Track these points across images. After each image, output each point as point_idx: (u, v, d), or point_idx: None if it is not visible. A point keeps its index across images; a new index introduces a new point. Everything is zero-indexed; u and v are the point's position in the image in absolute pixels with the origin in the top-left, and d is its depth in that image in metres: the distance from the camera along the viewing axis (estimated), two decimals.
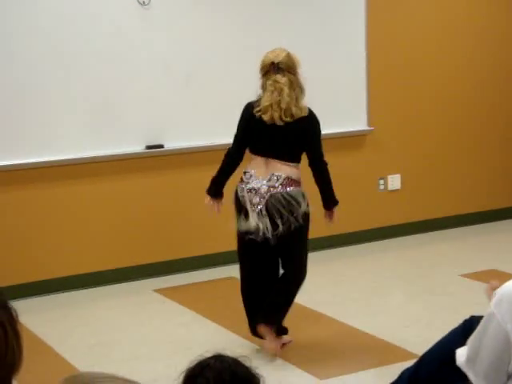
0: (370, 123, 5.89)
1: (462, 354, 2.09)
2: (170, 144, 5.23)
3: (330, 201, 3.96)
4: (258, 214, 3.77)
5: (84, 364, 3.78)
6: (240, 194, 3.85)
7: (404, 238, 6.03)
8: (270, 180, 3.79)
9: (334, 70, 5.64)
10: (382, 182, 6.04)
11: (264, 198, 3.78)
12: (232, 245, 5.43)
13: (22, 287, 4.88)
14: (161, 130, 5.20)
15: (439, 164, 6.22)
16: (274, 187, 3.78)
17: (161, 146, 5.21)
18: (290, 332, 4.03)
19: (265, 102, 3.78)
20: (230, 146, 4.02)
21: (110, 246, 5.16)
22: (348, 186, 5.83)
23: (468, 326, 2.58)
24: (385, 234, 6.00)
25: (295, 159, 3.86)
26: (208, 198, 4.08)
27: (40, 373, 3.65)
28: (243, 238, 3.89)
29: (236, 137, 3.98)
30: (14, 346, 1.49)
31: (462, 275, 5.03)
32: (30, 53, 4.79)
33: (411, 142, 6.09)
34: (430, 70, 6.09)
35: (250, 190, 3.81)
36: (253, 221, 3.77)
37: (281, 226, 3.74)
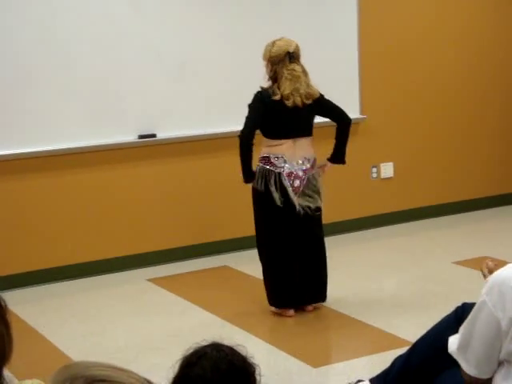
0: (362, 111, 5.89)
1: (453, 342, 2.09)
2: (163, 133, 5.22)
3: (340, 158, 4.35)
4: (299, 195, 4.13)
5: (77, 353, 3.78)
6: (275, 178, 4.08)
7: (397, 225, 6.04)
8: (303, 163, 4.15)
9: (326, 58, 5.63)
10: (374, 170, 6.05)
11: (304, 180, 4.14)
12: (226, 234, 5.46)
13: (15, 277, 4.87)
14: (153, 119, 5.18)
15: (432, 152, 6.23)
16: (307, 170, 4.17)
17: (153, 136, 5.20)
18: (283, 319, 4.07)
19: (285, 91, 4.07)
20: (242, 129, 4.11)
21: (103, 235, 5.16)
22: (341, 175, 5.83)
23: (460, 313, 2.59)
24: (378, 221, 6.01)
25: (312, 131, 4.24)
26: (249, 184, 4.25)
27: (33, 362, 3.66)
28: (277, 210, 4.10)
29: (250, 119, 4.11)
30: (4, 335, 1.50)
31: (454, 262, 5.05)
32: (21, 43, 4.76)
33: (404, 130, 6.10)
34: (423, 58, 6.08)
35: (289, 175, 4.11)
36: (297, 204, 4.10)
37: (311, 204, 4.16)
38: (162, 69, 5.16)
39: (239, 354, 1.75)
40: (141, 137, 5.17)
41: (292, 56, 4.10)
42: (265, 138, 4.18)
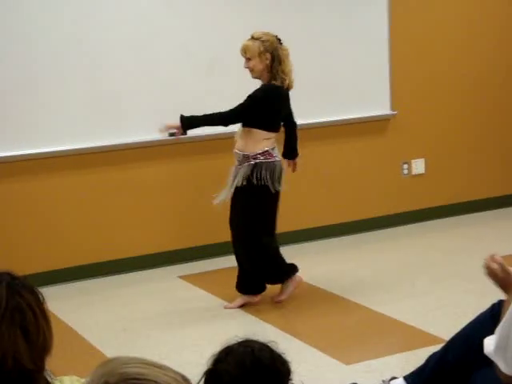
0: (393, 107, 5.84)
1: (489, 344, 2.06)
2: (193, 131, 5.22)
3: (295, 152, 4.47)
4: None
5: (111, 350, 3.80)
6: (280, 166, 4.23)
7: (429, 222, 5.99)
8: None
9: (357, 54, 5.59)
10: (405, 166, 6.00)
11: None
12: None
13: (49, 274, 4.92)
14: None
15: (463, 148, 6.16)
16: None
17: (183, 133, 5.20)
18: (315, 316, 4.10)
19: (290, 71, 4.14)
20: (234, 115, 4.28)
21: (135, 233, 5.18)
22: (372, 171, 5.80)
23: (496, 310, 2.55)
24: (409, 218, 5.96)
25: None
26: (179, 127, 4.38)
27: (67, 358, 3.68)
28: (275, 196, 4.23)
29: (244, 113, 4.22)
30: (45, 328, 1.51)
31: None
32: (54, 40, 4.80)
33: (435, 126, 6.04)
34: (454, 53, 6.01)
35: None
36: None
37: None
38: (192, 66, 5.17)
39: (268, 350, 1.74)
40: (171, 134, 5.17)
41: (279, 39, 4.20)
42: (259, 131, 4.18)
